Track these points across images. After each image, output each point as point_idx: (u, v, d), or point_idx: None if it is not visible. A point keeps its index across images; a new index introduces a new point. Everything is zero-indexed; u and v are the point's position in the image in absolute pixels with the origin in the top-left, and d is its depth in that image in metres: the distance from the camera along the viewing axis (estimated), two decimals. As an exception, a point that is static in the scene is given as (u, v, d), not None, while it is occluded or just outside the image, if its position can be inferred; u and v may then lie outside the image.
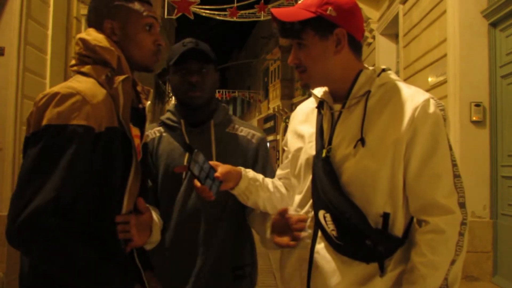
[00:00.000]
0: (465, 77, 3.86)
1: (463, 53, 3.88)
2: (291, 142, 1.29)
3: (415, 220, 1.12)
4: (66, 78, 5.26)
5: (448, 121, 1.13)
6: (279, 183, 1.38)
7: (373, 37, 6.68)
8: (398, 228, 1.07)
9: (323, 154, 1.11)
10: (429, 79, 4.49)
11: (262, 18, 10.18)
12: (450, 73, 4.01)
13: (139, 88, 1.23)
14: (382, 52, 6.40)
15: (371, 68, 1.18)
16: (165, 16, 9.51)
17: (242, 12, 9.82)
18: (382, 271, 1.05)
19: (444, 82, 4.14)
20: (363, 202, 1.06)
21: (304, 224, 1.15)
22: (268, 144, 1.46)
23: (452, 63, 3.97)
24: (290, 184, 1.32)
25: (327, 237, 1.10)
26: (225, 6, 9.88)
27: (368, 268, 1.06)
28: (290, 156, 1.28)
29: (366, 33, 6.85)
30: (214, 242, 1.44)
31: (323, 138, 1.15)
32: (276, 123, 19.53)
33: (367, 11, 6.54)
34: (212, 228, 1.43)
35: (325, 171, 1.10)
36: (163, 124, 1.53)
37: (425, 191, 1.05)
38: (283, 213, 1.19)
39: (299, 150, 1.23)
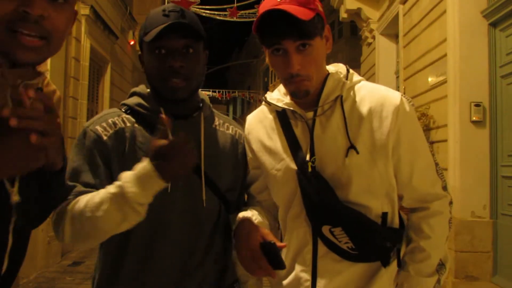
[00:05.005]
0: (465, 77, 3.86)
1: (463, 53, 3.88)
2: (264, 159, 1.16)
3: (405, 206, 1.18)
4: (66, 77, 5.26)
5: (413, 107, 1.13)
6: (263, 212, 1.20)
7: (373, 37, 6.68)
8: (395, 223, 1.12)
9: (309, 168, 1.07)
10: (429, 79, 4.49)
11: (262, 18, 10.16)
12: (450, 73, 4.01)
13: None
14: (382, 52, 6.40)
15: (332, 68, 1.13)
16: (165, 16, 9.51)
17: (242, 12, 9.83)
18: (388, 263, 1.09)
19: (444, 82, 4.14)
20: (365, 208, 1.07)
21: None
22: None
23: (452, 63, 3.97)
24: (272, 204, 1.22)
25: (334, 249, 1.08)
26: (225, 6, 9.90)
27: (372, 265, 1.09)
28: (267, 174, 1.16)
29: (366, 33, 6.86)
30: (209, 260, 1.15)
31: (301, 150, 1.09)
32: (276, 123, 19.51)
33: (367, 11, 6.55)
34: (209, 243, 1.15)
35: (319, 187, 1.05)
36: (131, 111, 1.13)
37: (419, 186, 1.11)
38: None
39: (275, 167, 1.13)
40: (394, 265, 1.12)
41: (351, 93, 1.10)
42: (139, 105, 1.13)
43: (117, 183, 0.94)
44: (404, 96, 1.09)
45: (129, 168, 1.00)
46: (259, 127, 1.20)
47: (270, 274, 1.02)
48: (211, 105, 1.23)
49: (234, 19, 9.90)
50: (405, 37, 5.39)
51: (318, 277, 1.09)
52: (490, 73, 3.83)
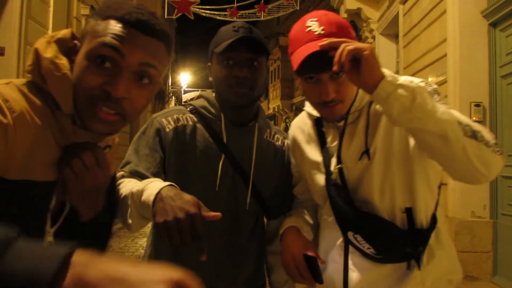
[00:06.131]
0: (465, 77, 3.86)
1: (463, 53, 3.88)
2: (302, 164, 1.23)
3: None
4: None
5: (442, 96, 1.04)
6: (306, 212, 1.28)
7: (373, 37, 6.68)
8: (421, 221, 1.07)
9: (334, 176, 1.10)
10: (429, 79, 4.49)
11: (262, 18, 10.18)
12: (450, 73, 4.01)
13: None
14: (382, 52, 6.40)
15: None
16: (165, 16, 9.52)
17: (242, 12, 9.82)
18: (419, 266, 1.05)
19: (444, 82, 4.14)
20: (387, 207, 1.06)
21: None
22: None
23: (452, 63, 3.97)
24: (315, 204, 1.28)
25: (361, 252, 1.09)
26: (225, 6, 9.89)
27: (404, 264, 1.07)
28: (306, 177, 1.24)
29: (366, 33, 6.86)
30: (246, 260, 1.26)
31: (329, 158, 1.13)
32: (276, 123, 19.55)
33: (367, 11, 6.55)
34: (247, 244, 1.26)
35: (339, 195, 1.08)
36: (196, 112, 1.25)
37: None
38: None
39: (311, 172, 1.19)
40: (432, 267, 1.08)
41: None
42: (204, 107, 1.25)
43: (144, 182, 0.94)
44: (424, 82, 1.02)
45: (185, 160, 1.18)
46: (299, 132, 1.25)
47: (310, 283, 1.08)
48: (265, 116, 1.33)
49: (234, 19, 9.90)
50: (405, 37, 5.39)
51: (350, 274, 1.11)
52: (490, 73, 3.83)
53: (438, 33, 4.32)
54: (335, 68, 0.89)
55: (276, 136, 1.34)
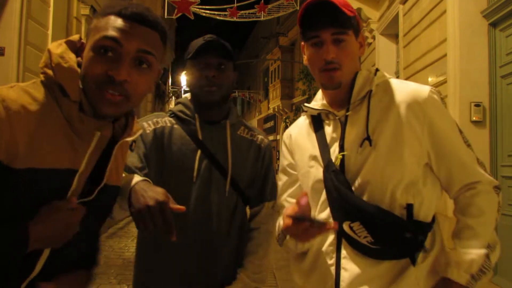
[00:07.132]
0: (465, 77, 3.86)
1: (463, 53, 3.88)
2: (298, 159, 1.26)
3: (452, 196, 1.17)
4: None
5: (445, 102, 1.15)
6: None
7: (373, 37, 6.68)
8: (424, 217, 1.10)
9: (337, 163, 1.12)
10: (429, 79, 4.50)
11: (262, 18, 10.18)
12: (450, 73, 4.01)
13: None
14: (382, 52, 6.40)
15: (364, 69, 1.20)
16: (165, 16, 9.52)
17: (242, 12, 9.82)
18: (414, 262, 1.07)
19: (444, 82, 4.14)
20: (387, 200, 1.07)
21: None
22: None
23: (452, 63, 3.97)
24: None
25: (356, 246, 1.09)
26: (225, 6, 9.89)
27: (399, 263, 1.07)
28: (300, 174, 1.25)
29: (366, 33, 6.85)
30: (226, 248, 1.41)
31: (328, 149, 1.16)
32: (276, 123, 19.54)
33: (367, 11, 6.55)
34: (225, 231, 1.41)
35: (340, 181, 1.10)
36: (174, 115, 1.46)
37: (460, 174, 1.13)
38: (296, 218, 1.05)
39: (308, 164, 1.21)
40: (425, 265, 1.09)
41: (379, 88, 1.15)
42: (180, 111, 1.45)
43: (123, 179, 1.07)
44: (433, 89, 1.12)
45: (165, 156, 1.36)
46: (297, 131, 1.32)
47: (322, 228, 1.01)
48: (239, 115, 1.53)
49: (234, 19, 9.90)
50: (405, 37, 5.39)
51: (342, 275, 1.10)
52: (490, 73, 3.83)
53: (438, 33, 4.32)
54: None
55: (250, 132, 1.52)
